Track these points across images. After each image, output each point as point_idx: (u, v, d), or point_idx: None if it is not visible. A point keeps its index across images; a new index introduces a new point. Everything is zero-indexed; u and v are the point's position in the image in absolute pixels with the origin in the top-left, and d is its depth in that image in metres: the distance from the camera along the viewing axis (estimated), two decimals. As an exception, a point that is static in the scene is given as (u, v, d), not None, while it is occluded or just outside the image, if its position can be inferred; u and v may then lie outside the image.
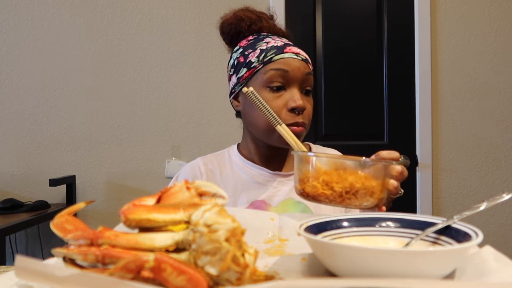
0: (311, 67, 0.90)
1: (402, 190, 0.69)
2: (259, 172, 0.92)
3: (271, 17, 0.99)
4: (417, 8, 2.08)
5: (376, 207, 0.64)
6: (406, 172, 0.68)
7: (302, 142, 1.03)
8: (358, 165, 0.62)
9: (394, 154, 0.70)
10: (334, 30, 2.08)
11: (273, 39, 0.91)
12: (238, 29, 0.95)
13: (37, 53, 1.97)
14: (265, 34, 0.94)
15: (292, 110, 0.85)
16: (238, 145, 0.99)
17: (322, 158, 0.64)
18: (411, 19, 2.10)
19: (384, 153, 0.69)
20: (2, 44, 1.96)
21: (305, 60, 0.88)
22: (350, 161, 0.63)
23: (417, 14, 2.08)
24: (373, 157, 0.70)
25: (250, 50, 0.90)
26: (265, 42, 0.90)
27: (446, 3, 2.12)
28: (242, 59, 0.91)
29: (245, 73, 0.90)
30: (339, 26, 2.09)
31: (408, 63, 2.10)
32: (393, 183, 0.64)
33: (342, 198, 0.61)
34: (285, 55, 0.87)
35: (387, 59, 2.10)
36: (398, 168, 0.66)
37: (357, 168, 0.62)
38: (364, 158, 0.65)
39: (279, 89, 0.86)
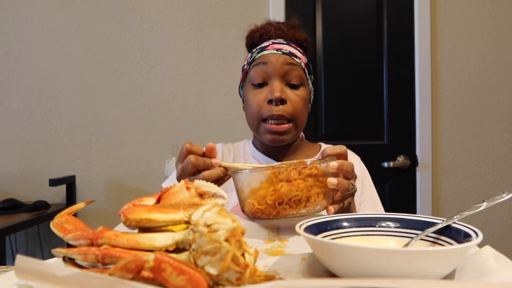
0: (298, 60, 0.90)
1: (355, 186, 0.67)
2: (267, 161, 0.96)
3: (290, 26, 1.01)
4: (417, 8, 2.08)
5: (323, 209, 0.62)
6: (346, 165, 0.65)
7: (310, 141, 1.06)
8: (290, 172, 0.59)
9: (340, 148, 0.68)
10: (334, 30, 2.08)
11: (269, 41, 0.95)
12: (252, 40, 1.01)
13: (37, 53, 1.97)
14: (273, 39, 0.97)
15: (270, 102, 0.87)
16: (254, 138, 1.04)
17: (255, 173, 0.62)
18: (411, 19, 2.10)
19: (328, 150, 0.68)
20: (2, 44, 1.96)
21: (287, 54, 0.90)
22: (282, 170, 0.60)
23: (417, 14, 2.08)
24: (319, 156, 0.69)
25: (248, 56, 0.97)
26: (259, 46, 0.95)
27: (446, 3, 2.12)
28: (243, 66, 1.00)
29: (241, 76, 0.99)
30: (339, 26, 2.09)
31: (408, 63, 2.10)
32: (331, 181, 0.61)
33: (277, 210, 0.59)
34: (265, 52, 0.91)
35: (387, 59, 2.10)
36: (333, 164, 0.62)
37: (291, 175, 0.59)
38: (307, 161, 0.63)
39: (261, 85, 0.90)
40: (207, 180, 0.67)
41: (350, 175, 0.65)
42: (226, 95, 2.01)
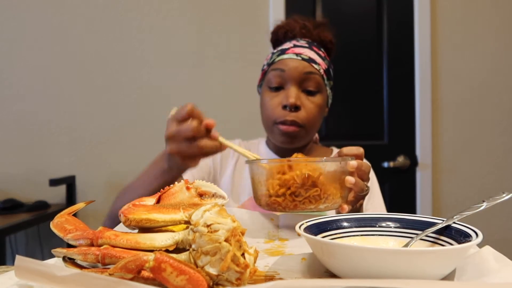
0: (317, 66, 0.90)
1: (368, 188, 0.67)
2: None
3: (317, 24, 1.01)
4: (417, 8, 2.08)
5: (338, 207, 0.62)
6: (365, 166, 0.65)
7: (320, 144, 1.06)
8: (311, 166, 0.59)
9: (357, 150, 0.68)
10: (334, 30, 2.08)
11: (291, 42, 0.94)
12: (277, 36, 1.01)
13: (37, 53, 1.97)
14: (296, 39, 0.96)
15: (284, 107, 0.88)
16: (267, 138, 1.04)
17: (273, 164, 0.62)
18: (411, 19, 2.10)
19: (345, 150, 0.68)
20: (2, 44, 1.96)
21: (307, 60, 0.89)
22: (302, 164, 0.60)
23: (417, 14, 2.08)
24: (335, 155, 0.69)
25: (269, 56, 0.97)
26: (280, 47, 0.95)
27: (446, 3, 2.12)
28: (263, 65, 1.00)
29: (260, 76, 0.99)
30: (339, 26, 2.07)
31: (408, 63, 2.10)
32: (349, 179, 0.62)
33: (294, 203, 0.59)
34: (285, 56, 0.90)
35: (387, 59, 2.10)
36: (352, 163, 0.63)
37: (311, 170, 0.59)
38: (323, 158, 0.63)
39: (277, 89, 0.90)
40: (202, 150, 0.66)
41: (365, 177, 0.66)
42: (226, 94, 2.01)
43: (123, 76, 2.00)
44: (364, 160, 1.00)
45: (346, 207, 0.63)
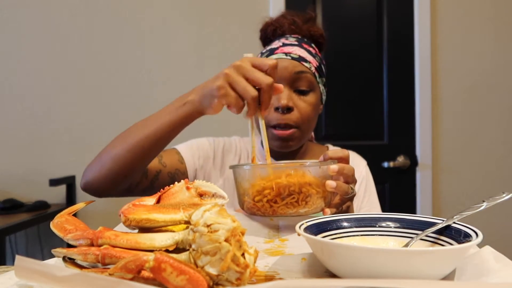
0: (308, 65, 0.88)
1: (354, 190, 0.66)
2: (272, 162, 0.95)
3: (306, 19, 0.98)
4: (417, 8, 2.08)
5: (320, 211, 0.62)
6: (347, 169, 0.64)
7: (318, 143, 1.06)
8: (290, 171, 0.59)
9: (342, 152, 0.68)
10: (334, 31, 2.08)
11: (280, 41, 0.92)
12: (266, 34, 0.99)
13: (37, 54, 1.97)
14: (285, 36, 0.95)
15: (276, 109, 0.86)
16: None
17: (253, 169, 0.62)
18: (411, 20, 2.10)
19: (330, 153, 0.67)
20: (2, 44, 1.96)
21: (297, 59, 0.87)
22: (281, 169, 0.60)
23: (417, 14, 2.08)
24: (321, 158, 0.69)
25: (258, 56, 0.94)
26: (269, 46, 0.93)
27: (446, 3, 2.12)
28: None
29: None
30: (339, 26, 2.09)
31: (408, 63, 2.10)
32: (330, 184, 0.61)
33: (272, 208, 0.59)
34: (274, 56, 0.89)
35: (387, 59, 2.09)
36: (333, 167, 0.62)
37: (291, 174, 0.59)
38: (307, 162, 0.63)
39: None
40: (243, 91, 0.66)
41: (350, 179, 0.65)
42: (226, 95, 2.01)
43: (123, 76, 2.00)
44: (355, 155, 1.00)
45: (328, 211, 0.62)
